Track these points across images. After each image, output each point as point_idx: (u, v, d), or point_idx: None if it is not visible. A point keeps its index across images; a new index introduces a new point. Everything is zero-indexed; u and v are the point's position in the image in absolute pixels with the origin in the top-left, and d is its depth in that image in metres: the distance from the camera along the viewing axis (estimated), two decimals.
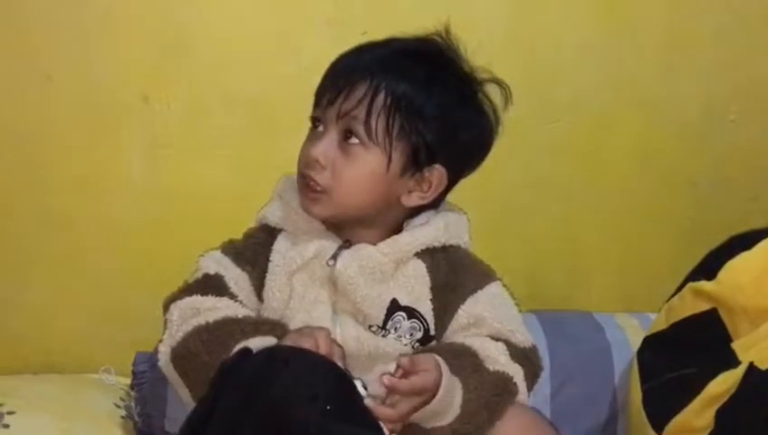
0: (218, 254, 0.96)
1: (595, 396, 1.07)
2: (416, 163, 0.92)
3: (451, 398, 0.84)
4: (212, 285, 0.92)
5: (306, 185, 0.91)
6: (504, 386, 0.87)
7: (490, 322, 0.92)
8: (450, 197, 1.05)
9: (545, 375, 1.06)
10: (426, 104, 0.91)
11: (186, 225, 1.14)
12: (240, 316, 0.88)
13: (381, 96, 0.90)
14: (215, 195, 1.13)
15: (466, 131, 0.95)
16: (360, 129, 0.90)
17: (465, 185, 1.16)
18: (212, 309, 0.89)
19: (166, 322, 0.91)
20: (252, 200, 1.03)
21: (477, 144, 0.97)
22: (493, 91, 0.97)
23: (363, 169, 0.90)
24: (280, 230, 0.96)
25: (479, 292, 0.94)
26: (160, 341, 0.90)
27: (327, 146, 0.90)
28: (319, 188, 0.91)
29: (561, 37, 1.15)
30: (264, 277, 0.94)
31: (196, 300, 0.90)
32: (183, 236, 1.14)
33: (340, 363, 0.84)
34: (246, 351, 0.82)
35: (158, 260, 1.15)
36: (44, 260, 1.15)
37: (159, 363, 0.90)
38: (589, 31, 1.16)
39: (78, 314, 1.17)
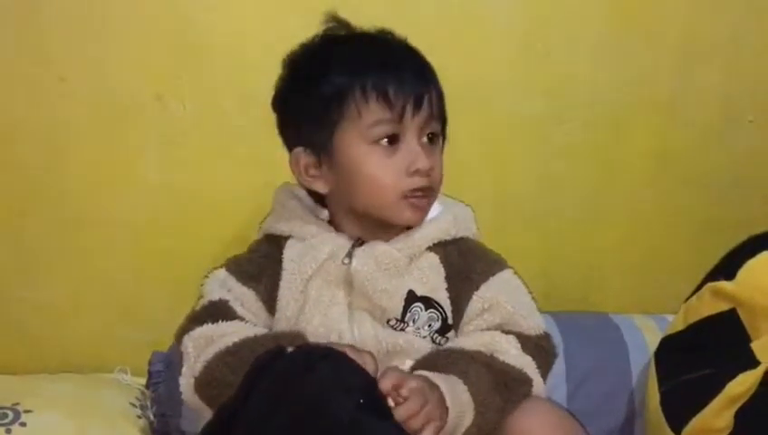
0: (223, 273, 0.97)
1: (612, 397, 1.07)
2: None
3: (459, 399, 0.83)
4: (219, 312, 0.92)
5: (420, 195, 0.93)
6: (514, 376, 0.88)
7: (504, 305, 0.93)
8: (466, 197, 1.06)
9: (562, 376, 1.06)
10: (438, 79, 0.97)
11: (201, 224, 1.14)
12: (258, 335, 0.89)
13: (439, 92, 0.96)
14: (230, 195, 1.13)
15: None
16: (438, 127, 0.96)
17: (482, 183, 1.17)
18: (226, 335, 0.89)
19: (181, 355, 0.92)
20: (266, 200, 1.03)
21: None
22: None
23: (441, 162, 0.96)
24: (287, 238, 0.96)
25: (491, 278, 0.95)
26: (179, 373, 0.91)
27: (427, 153, 0.93)
28: (431, 194, 0.95)
29: (577, 38, 1.15)
30: (273, 290, 0.95)
31: (207, 329, 0.91)
32: (198, 235, 1.14)
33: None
34: (281, 349, 0.82)
35: (173, 260, 1.15)
36: (60, 260, 1.15)
37: (183, 397, 0.91)
38: (605, 31, 1.15)
39: (94, 314, 1.17)
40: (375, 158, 0.92)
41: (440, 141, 0.97)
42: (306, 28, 0.98)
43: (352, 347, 0.84)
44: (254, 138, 1.11)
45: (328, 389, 0.74)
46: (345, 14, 1.00)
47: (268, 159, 1.09)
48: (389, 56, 0.95)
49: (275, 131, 1.00)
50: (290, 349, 0.80)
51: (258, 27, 1.08)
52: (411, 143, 0.92)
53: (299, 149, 0.96)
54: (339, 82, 0.92)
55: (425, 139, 0.94)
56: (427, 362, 0.88)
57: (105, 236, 1.15)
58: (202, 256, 1.06)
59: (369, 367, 0.80)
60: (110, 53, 1.08)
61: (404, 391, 0.79)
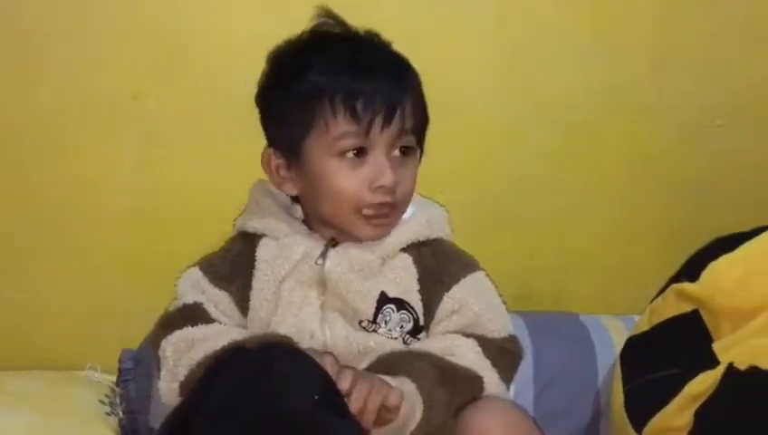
0: (196, 273, 0.97)
1: (579, 396, 1.08)
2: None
3: (409, 396, 0.84)
4: (195, 316, 0.92)
5: (379, 211, 0.92)
6: (463, 374, 0.88)
7: (471, 307, 0.94)
8: (441, 198, 1.07)
9: (530, 375, 1.07)
10: (420, 85, 0.96)
11: (176, 222, 1.15)
12: (245, 338, 0.89)
13: (416, 102, 0.94)
14: (206, 193, 1.13)
15: None
16: (412, 140, 0.94)
17: (458, 186, 1.18)
18: (209, 338, 0.89)
19: (159, 359, 0.92)
20: (243, 198, 1.04)
21: None
22: None
23: (414, 175, 0.96)
24: (260, 236, 0.96)
25: (463, 280, 0.96)
26: (151, 373, 0.92)
27: (394, 168, 0.92)
28: (393, 211, 0.94)
29: (552, 43, 1.16)
30: (246, 290, 0.95)
31: (186, 333, 0.91)
32: (173, 233, 1.14)
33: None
34: (241, 346, 0.82)
35: (147, 258, 1.15)
36: (34, 258, 1.15)
37: (163, 400, 0.91)
38: (579, 35, 1.16)
39: (66, 311, 1.17)
40: (339, 170, 0.91)
41: (415, 153, 0.95)
42: (284, 26, 0.99)
43: (311, 349, 0.85)
44: (232, 136, 1.11)
45: (286, 385, 0.75)
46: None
47: (245, 158, 1.09)
48: (367, 65, 0.93)
49: (253, 129, 1.01)
50: (249, 346, 0.81)
51: (235, 25, 1.09)
52: (379, 157, 0.91)
53: (271, 150, 0.97)
54: (310, 91, 0.91)
55: (396, 152, 0.92)
56: (375, 367, 0.89)
57: (79, 234, 1.15)
58: (176, 253, 1.06)
59: (329, 368, 0.81)
60: (87, 52, 1.08)
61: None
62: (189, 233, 1.13)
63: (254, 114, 1.00)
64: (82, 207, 1.13)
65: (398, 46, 1.00)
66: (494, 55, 1.15)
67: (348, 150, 0.91)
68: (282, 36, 1.00)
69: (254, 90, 1.00)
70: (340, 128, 0.90)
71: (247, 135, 1.06)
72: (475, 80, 1.16)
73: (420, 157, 0.98)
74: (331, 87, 0.91)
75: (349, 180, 0.91)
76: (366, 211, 0.92)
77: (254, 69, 1.00)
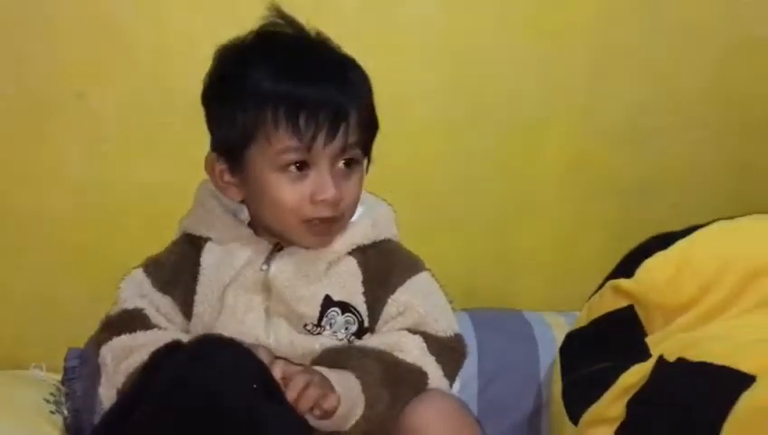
0: (140, 275, 0.97)
1: (521, 391, 1.10)
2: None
3: (350, 391, 0.85)
4: (135, 322, 0.92)
5: (322, 223, 0.92)
6: (408, 371, 0.89)
7: (416, 309, 0.95)
8: (387, 198, 1.08)
9: (473, 371, 1.09)
10: (372, 98, 0.96)
11: (121, 221, 1.14)
12: (181, 341, 0.89)
13: (364, 116, 0.93)
14: (152, 192, 1.13)
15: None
16: (359, 154, 0.93)
17: (401, 187, 1.19)
18: (147, 344, 0.89)
19: (100, 365, 0.92)
20: (188, 197, 1.04)
21: None
22: None
23: (359, 185, 0.95)
24: (206, 240, 0.96)
25: (407, 282, 0.97)
26: (99, 385, 0.92)
27: (336, 181, 0.91)
28: (338, 220, 0.93)
29: (495, 46, 1.18)
30: (190, 295, 0.95)
31: (125, 340, 0.91)
32: (118, 232, 1.14)
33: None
34: (177, 342, 0.83)
35: (92, 256, 1.15)
36: None
37: (105, 407, 0.90)
38: (521, 40, 1.18)
39: (10, 310, 1.16)
40: (281, 183, 0.90)
41: (361, 164, 0.95)
42: (232, 22, 0.99)
43: (247, 343, 0.86)
44: (178, 134, 1.11)
45: (223, 376, 0.76)
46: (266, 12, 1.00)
47: (191, 156, 1.09)
48: (311, 72, 0.91)
49: (199, 127, 1.00)
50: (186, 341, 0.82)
51: (182, 22, 1.09)
52: (321, 172, 0.90)
53: (215, 154, 0.95)
54: (251, 98, 0.90)
55: (340, 165, 0.92)
56: (321, 359, 0.89)
57: (24, 233, 1.14)
58: (121, 252, 1.06)
59: (264, 358, 0.82)
60: (32, 51, 1.07)
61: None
62: (135, 230, 1.13)
63: (200, 112, 1.00)
64: (27, 205, 1.13)
65: (343, 47, 1.00)
66: (437, 58, 1.16)
67: (289, 165, 0.90)
68: (230, 33, 1.00)
69: (200, 88, 1.00)
70: (282, 142, 0.89)
71: (194, 133, 1.06)
72: (418, 82, 1.17)
73: (368, 165, 0.97)
74: (274, 97, 0.89)
75: (290, 194, 0.90)
76: (308, 222, 0.92)
77: (200, 66, 1.00)
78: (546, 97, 1.21)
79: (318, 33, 0.98)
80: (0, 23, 1.06)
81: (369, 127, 0.95)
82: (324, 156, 0.90)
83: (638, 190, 1.29)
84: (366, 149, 0.95)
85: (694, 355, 0.84)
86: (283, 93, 0.89)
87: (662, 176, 1.29)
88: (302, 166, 0.90)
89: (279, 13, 0.97)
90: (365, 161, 0.96)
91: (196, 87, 1.00)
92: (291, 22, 0.97)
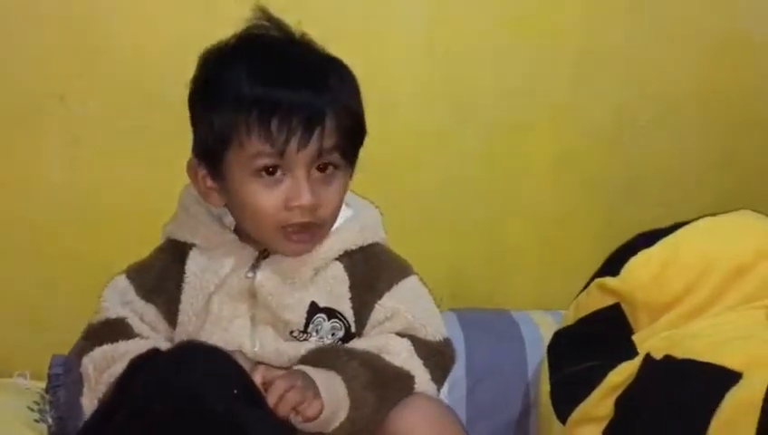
0: (123, 282, 0.95)
1: (510, 391, 1.10)
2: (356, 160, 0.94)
3: (336, 394, 0.84)
4: (117, 332, 0.91)
5: (299, 230, 0.90)
6: (395, 375, 0.89)
7: (404, 315, 0.94)
8: (372, 201, 1.08)
9: (462, 372, 1.09)
10: (356, 102, 0.92)
11: (104, 226, 1.14)
12: (159, 348, 0.87)
13: (342, 117, 0.89)
14: (133, 195, 1.13)
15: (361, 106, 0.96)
16: (337, 158, 0.90)
17: (388, 188, 1.19)
18: (126, 354, 0.88)
19: (81, 375, 0.90)
20: (172, 201, 1.02)
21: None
22: None
23: (341, 192, 0.92)
24: (191, 246, 0.95)
25: (395, 286, 0.95)
26: (82, 395, 0.90)
27: (312, 188, 0.88)
28: (315, 227, 0.90)
29: (478, 45, 1.18)
30: (174, 303, 0.93)
31: (106, 350, 0.89)
32: (101, 237, 1.14)
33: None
34: (155, 349, 0.82)
35: (75, 262, 1.14)
36: None
37: (86, 416, 0.88)
38: (504, 39, 1.19)
39: None
40: (255, 188, 0.88)
41: (342, 169, 0.91)
42: (213, 25, 0.98)
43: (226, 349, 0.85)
44: (159, 137, 1.11)
45: (202, 381, 0.75)
46: (247, 13, 0.99)
47: (173, 159, 1.07)
48: (287, 77, 0.89)
49: (180, 130, 0.99)
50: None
51: (162, 25, 1.08)
52: (297, 177, 0.87)
53: (196, 160, 0.94)
54: (227, 103, 0.88)
55: (315, 171, 0.89)
56: (309, 359, 0.88)
57: (5, 238, 1.13)
58: (104, 258, 1.05)
59: (243, 364, 0.81)
60: (12, 54, 1.07)
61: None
62: (118, 235, 1.13)
63: (181, 115, 0.99)
64: (11, 210, 1.12)
65: (328, 48, 1.00)
66: (423, 57, 1.17)
67: (262, 169, 0.88)
68: (212, 36, 0.99)
69: (181, 91, 0.99)
70: (255, 147, 0.87)
71: (175, 136, 1.05)
72: (404, 83, 1.17)
73: (352, 170, 0.93)
74: (248, 100, 0.87)
75: (266, 200, 0.88)
76: (286, 229, 0.90)
77: (181, 69, 0.99)
78: (532, 97, 1.22)
79: (303, 35, 0.96)
80: None
81: (352, 132, 0.91)
82: (299, 161, 0.88)
83: (625, 189, 1.30)
84: (347, 154, 0.91)
85: (680, 353, 0.84)
86: (257, 97, 0.87)
87: (648, 174, 1.29)
88: (275, 171, 0.88)
89: (265, 15, 0.95)
90: (347, 167, 0.93)
91: (178, 90, 0.99)
92: (277, 24, 0.95)
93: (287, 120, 0.86)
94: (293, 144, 0.86)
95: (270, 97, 0.87)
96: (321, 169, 0.89)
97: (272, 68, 0.90)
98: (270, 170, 0.88)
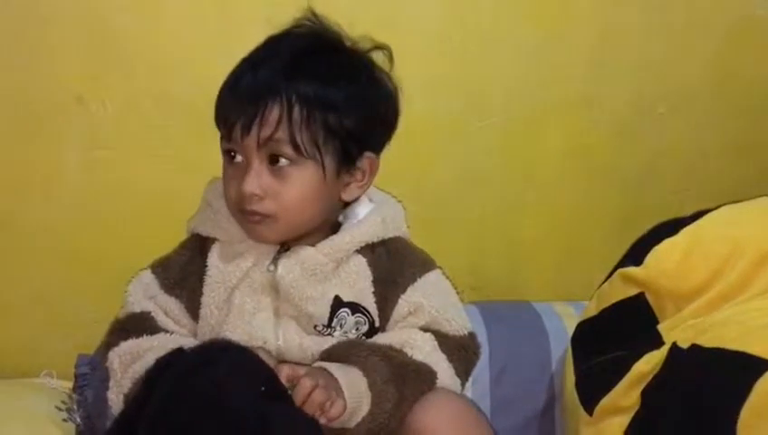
0: (148, 276, 0.96)
1: (533, 383, 1.10)
2: (347, 159, 0.92)
3: (357, 388, 0.85)
4: (142, 326, 0.92)
5: (250, 217, 0.90)
6: (416, 370, 0.88)
7: (428, 310, 0.94)
8: (388, 193, 1.08)
9: (485, 364, 1.09)
10: (339, 97, 0.89)
11: (124, 226, 1.14)
12: (184, 347, 0.88)
13: (297, 109, 0.87)
14: (153, 196, 1.13)
15: (381, 106, 0.95)
16: (288, 150, 0.87)
17: (403, 182, 1.19)
18: (151, 349, 0.89)
19: (108, 373, 0.92)
20: (190, 201, 1.03)
21: (392, 112, 0.98)
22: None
23: (302, 187, 0.89)
24: (213, 240, 0.95)
25: (418, 281, 0.95)
26: (108, 389, 0.91)
27: (258, 178, 0.87)
28: (265, 217, 0.90)
29: (493, 38, 1.17)
30: (197, 296, 0.94)
31: (132, 344, 0.90)
32: (122, 238, 1.14)
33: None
34: (181, 348, 0.83)
35: (96, 262, 1.14)
36: None
37: (112, 411, 0.90)
38: (520, 30, 1.18)
39: (18, 318, 1.15)
40: (223, 172, 0.92)
41: (304, 164, 0.88)
42: (228, 28, 0.99)
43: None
44: (178, 137, 1.11)
45: (228, 380, 0.75)
46: (267, 13, 0.99)
47: (192, 159, 1.09)
48: (261, 63, 0.89)
49: (198, 130, 1.00)
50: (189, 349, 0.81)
51: (178, 26, 1.08)
52: (249, 163, 0.88)
53: None
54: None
55: (264, 161, 0.87)
56: (330, 354, 0.89)
57: (28, 240, 1.13)
58: (126, 257, 1.05)
59: (267, 361, 0.82)
60: (30, 56, 1.07)
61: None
62: (139, 235, 1.13)
63: (199, 115, 0.99)
64: (30, 212, 1.12)
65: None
66: (437, 50, 1.16)
67: (225, 153, 0.91)
68: (228, 38, 1.00)
69: (199, 91, 0.99)
70: (220, 129, 0.91)
71: (193, 136, 1.06)
72: (417, 75, 1.16)
73: (324, 167, 0.89)
74: (223, 89, 0.90)
75: (226, 182, 0.91)
76: (241, 213, 0.91)
77: (199, 70, 1.00)
78: (547, 86, 1.21)
79: (342, 36, 0.95)
80: None
81: (322, 128, 0.88)
82: (246, 147, 0.88)
83: (642, 176, 1.29)
84: (303, 149, 0.87)
85: (707, 341, 0.83)
86: (228, 79, 0.90)
87: (665, 161, 1.29)
88: (236, 155, 0.89)
89: (312, 14, 0.96)
90: (313, 163, 0.89)
91: (196, 91, 1.00)
92: (319, 22, 0.95)
93: (237, 104, 0.87)
94: (239, 128, 0.87)
95: (231, 80, 0.89)
96: (273, 160, 0.88)
97: (256, 54, 0.91)
98: (232, 154, 0.89)
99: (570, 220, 1.29)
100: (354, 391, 0.84)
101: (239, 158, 0.89)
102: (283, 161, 0.88)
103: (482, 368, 1.09)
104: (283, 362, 0.85)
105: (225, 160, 0.91)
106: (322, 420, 0.81)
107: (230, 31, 0.99)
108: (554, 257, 1.31)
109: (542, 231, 1.29)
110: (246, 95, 0.87)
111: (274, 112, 0.86)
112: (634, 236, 1.07)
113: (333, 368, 0.85)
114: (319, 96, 0.88)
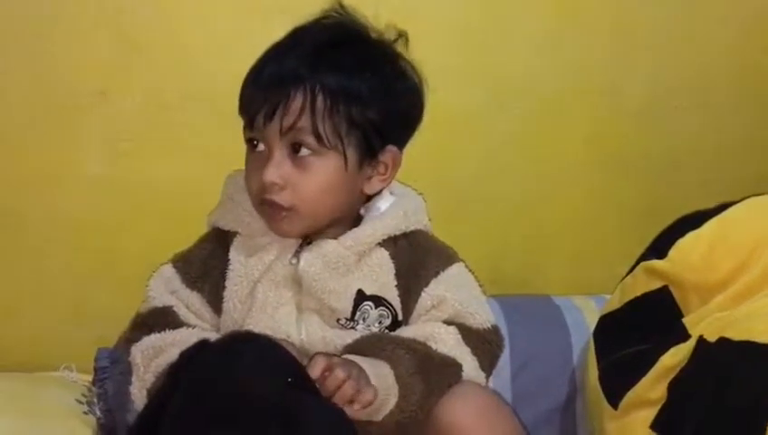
0: (169, 270, 0.96)
1: (554, 376, 1.10)
2: (370, 151, 0.92)
3: (385, 381, 0.84)
4: (164, 320, 0.91)
5: (270, 208, 0.89)
6: (441, 362, 0.88)
7: (451, 303, 0.93)
8: (408, 185, 1.07)
9: (505, 358, 1.08)
10: (363, 89, 0.89)
11: (146, 220, 1.14)
12: (206, 338, 0.88)
13: (320, 98, 0.86)
14: (175, 190, 1.13)
15: (405, 99, 0.95)
16: (310, 139, 0.87)
17: (423, 174, 1.18)
18: (175, 344, 0.88)
19: (129, 366, 0.92)
20: (212, 195, 1.03)
21: (417, 106, 0.97)
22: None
23: (323, 177, 0.89)
24: (234, 234, 0.95)
25: (441, 274, 0.95)
26: (130, 384, 0.92)
27: (279, 167, 0.87)
28: (285, 209, 0.89)
29: (515, 28, 1.17)
30: (219, 290, 0.93)
31: (154, 339, 0.90)
32: (143, 231, 1.14)
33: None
34: (206, 341, 0.83)
35: (117, 256, 1.14)
36: (3, 258, 1.13)
37: (135, 405, 0.91)
38: (540, 21, 1.18)
39: (38, 312, 1.16)
40: (246, 160, 0.92)
41: (326, 154, 0.88)
42: (249, 21, 0.98)
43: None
44: (201, 131, 1.11)
45: (254, 371, 0.75)
46: (286, 4, 0.98)
47: (215, 153, 1.09)
48: (284, 53, 0.89)
49: (221, 123, 1.00)
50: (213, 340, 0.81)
51: (200, 21, 1.08)
52: (271, 152, 0.87)
53: None
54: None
55: (284, 150, 0.87)
56: (355, 347, 0.88)
57: (48, 233, 1.14)
58: (147, 251, 1.06)
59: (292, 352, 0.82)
60: (52, 50, 1.07)
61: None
62: (161, 229, 1.13)
63: (221, 109, 0.99)
64: (52, 206, 1.12)
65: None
66: (458, 40, 1.16)
67: (248, 142, 0.91)
68: (249, 30, 0.99)
69: (221, 85, 0.99)
70: (243, 118, 0.91)
71: (215, 130, 1.06)
72: (438, 67, 1.15)
73: (346, 159, 0.89)
74: (247, 77, 0.90)
75: (248, 171, 0.91)
76: (261, 205, 0.91)
77: (221, 64, 1.00)
78: (567, 78, 1.21)
79: (360, 27, 0.95)
80: (20, 22, 1.05)
81: (338, 118, 0.87)
82: (268, 135, 0.87)
83: (663, 169, 1.29)
84: (325, 139, 0.87)
85: (736, 334, 0.83)
86: (252, 68, 0.90)
87: (686, 152, 1.28)
88: (258, 144, 0.89)
89: (341, 6, 0.96)
90: (335, 154, 0.88)
91: (218, 85, 1.00)
92: (347, 15, 0.95)
93: (260, 92, 0.87)
94: (261, 117, 0.87)
95: (256, 69, 0.89)
96: (295, 149, 0.88)
97: (281, 44, 0.91)
98: (254, 143, 0.89)
99: (591, 212, 1.28)
100: (382, 383, 0.84)
101: (261, 146, 0.89)
102: (304, 151, 0.88)
103: (502, 362, 1.08)
104: (317, 354, 0.84)
105: (248, 150, 0.91)
106: (355, 407, 0.80)
107: (253, 23, 0.99)
108: (574, 251, 1.30)
109: (562, 224, 1.28)
110: (270, 83, 0.87)
111: (297, 101, 0.86)
112: (655, 229, 1.07)
113: (360, 360, 0.85)
114: (343, 87, 0.88)
